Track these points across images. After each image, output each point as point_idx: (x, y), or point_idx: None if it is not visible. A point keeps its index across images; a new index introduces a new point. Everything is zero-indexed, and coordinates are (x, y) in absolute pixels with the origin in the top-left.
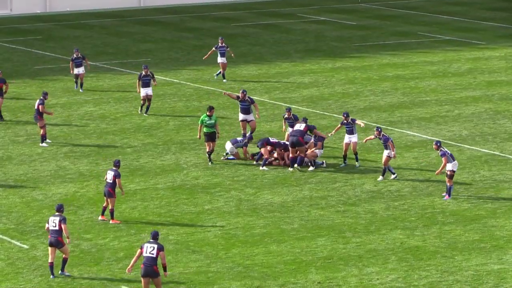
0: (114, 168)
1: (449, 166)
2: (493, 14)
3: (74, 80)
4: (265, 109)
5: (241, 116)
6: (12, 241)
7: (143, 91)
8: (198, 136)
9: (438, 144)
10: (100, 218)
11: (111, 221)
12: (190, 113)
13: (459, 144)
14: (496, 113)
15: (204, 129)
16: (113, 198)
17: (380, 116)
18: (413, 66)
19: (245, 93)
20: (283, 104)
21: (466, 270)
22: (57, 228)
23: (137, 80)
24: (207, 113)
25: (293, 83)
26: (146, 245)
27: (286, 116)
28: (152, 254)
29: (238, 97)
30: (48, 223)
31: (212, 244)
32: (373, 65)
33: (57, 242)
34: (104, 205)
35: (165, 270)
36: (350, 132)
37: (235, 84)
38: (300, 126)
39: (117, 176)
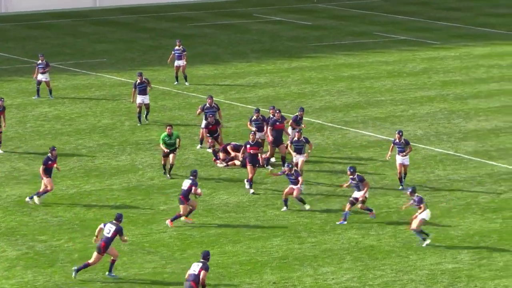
0: (191, 177)
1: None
2: (448, 14)
3: (36, 87)
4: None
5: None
6: None
7: (139, 99)
8: (159, 148)
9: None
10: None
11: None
12: None
13: (414, 144)
14: (450, 112)
15: (164, 147)
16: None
17: (336, 116)
18: (369, 66)
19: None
20: (239, 104)
21: (421, 269)
22: (110, 236)
23: (133, 89)
24: (167, 132)
25: (249, 83)
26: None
27: (254, 117)
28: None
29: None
30: (103, 226)
31: (168, 245)
32: (329, 65)
33: (104, 249)
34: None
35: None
36: None
37: (193, 86)
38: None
39: (194, 184)
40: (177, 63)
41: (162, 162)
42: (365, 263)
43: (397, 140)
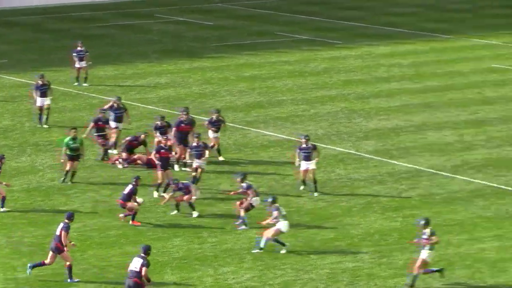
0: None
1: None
2: (350, 13)
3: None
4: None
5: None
6: None
7: (39, 101)
8: (61, 161)
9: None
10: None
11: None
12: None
13: (315, 143)
14: (351, 112)
15: (68, 152)
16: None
17: (237, 116)
18: (270, 66)
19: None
20: (140, 105)
21: (321, 268)
22: (58, 233)
23: (34, 90)
24: (71, 135)
25: (150, 83)
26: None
27: (159, 124)
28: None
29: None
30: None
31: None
32: (230, 65)
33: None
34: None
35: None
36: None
37: (93, 87)
38: None
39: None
40: (79, 64)
41: (67, 168)
42: (265, 263)
43: (304, 145)
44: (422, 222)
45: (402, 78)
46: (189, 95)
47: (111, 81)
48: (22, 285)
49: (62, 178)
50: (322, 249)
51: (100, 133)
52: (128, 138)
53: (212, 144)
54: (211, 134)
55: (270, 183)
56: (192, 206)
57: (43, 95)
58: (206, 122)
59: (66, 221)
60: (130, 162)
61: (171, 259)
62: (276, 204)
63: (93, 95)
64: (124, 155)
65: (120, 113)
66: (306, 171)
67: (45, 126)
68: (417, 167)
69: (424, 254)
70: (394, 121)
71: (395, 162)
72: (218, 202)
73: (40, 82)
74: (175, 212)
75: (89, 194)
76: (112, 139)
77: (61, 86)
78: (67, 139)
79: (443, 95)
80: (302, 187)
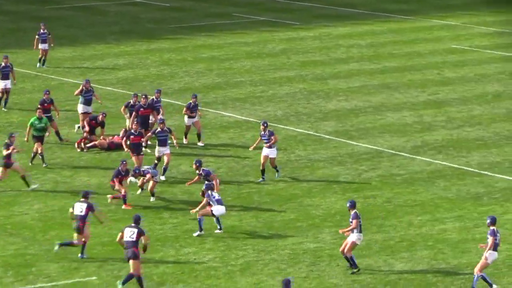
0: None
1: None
2: None
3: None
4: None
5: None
6: None
7: (2, 83)
8: (25, 139)
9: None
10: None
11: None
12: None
13: (274, 124)
14: (310, 93)
15: (33, 132)
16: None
17: None
18: (228, 47)
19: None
20: (98, 86)
21: (283, 249)
22: (83, 214)
23: None
24: (37, 115)
25: (108, 65)
26: (126, 229)
27: (131, 102)
28: (132, 238)
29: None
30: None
31: (30, 227)
32: (188, 47)
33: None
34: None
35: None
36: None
37: (52, 68)
38: None
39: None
40: (42, 46)
41: (34, 150)
42: (227, 244)
43: (262, 132)
44: (488, 220)
45: (360, 59)
46: (147, 77)
47: (69, 62)
48: None
49: (30, 159)
50: (283, 230)
51: (47, 115)
52: (87, 118)
53: (186, 131)
54: (186, 119)
55: (230, 165)
56: (152, 194)
57: (5, 77)
58: (185, 108)
59: (83, 199)
60: (90, 147)
61: None
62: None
63: (52, 76)
64: (85, 134)
65: (89, 96)
66: (266, 157)
67: (3, 109)
68: (377, 148)
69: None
70: (353, 102)
71: (355, 143)
72: (178, 183)
73: (2, 64)
74: (139, 191)
75: (50, 175)
76: (82, 123)
77: (20, 67)
78: (33, 118)
79: (402, 76)
80: (260, 180)
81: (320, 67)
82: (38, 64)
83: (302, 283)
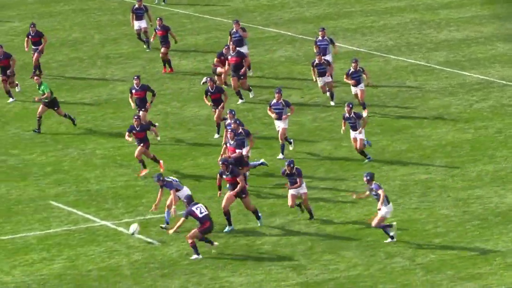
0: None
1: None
2: None
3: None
4: None
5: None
6: None
7: (136, 24)
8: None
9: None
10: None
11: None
12: None
13: (384, 55)
14: (421, 23)
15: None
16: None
17: (306, 28)
18: None
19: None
20: (209, 17)
21: (393, 180)
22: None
23: (131, 13)
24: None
25: None
26: (197, 206)
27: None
28: (206, 211)
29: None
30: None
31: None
32: None
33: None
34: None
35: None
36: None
37: None
38: None
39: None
40: None
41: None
42: (337, 175)
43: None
44: (368, 177)
45: None
46: (258, 7)
47: None
48: (95, 196)
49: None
50: (394, 161)
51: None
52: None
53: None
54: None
55: (340, 96)
56: None
57: (139, 18)
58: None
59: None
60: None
61: None
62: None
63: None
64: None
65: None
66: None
67: (147, 50)
68: (488, 78)
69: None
70: (464, 32)
71: (466, 73)
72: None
73: (136, 6)
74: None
75: (160, 106)
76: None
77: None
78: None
79: None
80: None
81: None
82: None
83: (412, 214)
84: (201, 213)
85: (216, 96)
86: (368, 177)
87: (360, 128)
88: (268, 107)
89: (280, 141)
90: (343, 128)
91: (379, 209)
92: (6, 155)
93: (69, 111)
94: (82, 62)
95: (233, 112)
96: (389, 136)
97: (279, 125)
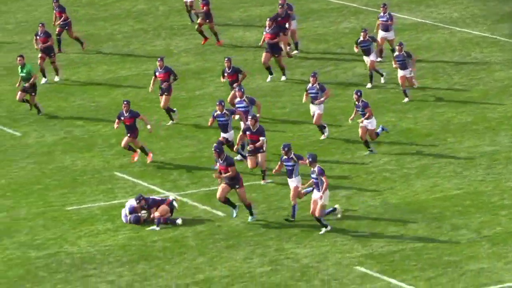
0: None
1: None
2: None
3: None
4: None
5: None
6: (4, 128)
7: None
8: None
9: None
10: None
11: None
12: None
13: (449, 27)
14: None
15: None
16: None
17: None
18: None
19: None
20: None
21: (459, 152)
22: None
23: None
24: (18, 62)
25: None
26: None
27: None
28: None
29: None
30: None
31: (204, 130)
32: None
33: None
34: None
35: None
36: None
37: None
38: None
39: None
40: None
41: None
42: (402, 147)
43: (397, 53)
44: (310, 159)
45: None
46: None
47: None
48: (159, 167)
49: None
50: (460, 133)
51: None
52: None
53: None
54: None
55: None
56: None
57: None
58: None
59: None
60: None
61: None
62: None
63: None
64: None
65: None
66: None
67: (189, 23)
68: None
69: None
70: None
71: None
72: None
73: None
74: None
75: None
76: None
77: None
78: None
79: None
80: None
81: None
82: None
83: (478, 186)
84: None
85: (233, 77)
86: (311, 159)
87: (368, 115)
88: (305, 92)
89: (317, 127)
90: (352, 116)
91: (321, 197)
92: (71, 126)
93: (134, 82)
94: (146, 33)
95: (242, 90)
96: (454, 108)
97: (314, 110)
